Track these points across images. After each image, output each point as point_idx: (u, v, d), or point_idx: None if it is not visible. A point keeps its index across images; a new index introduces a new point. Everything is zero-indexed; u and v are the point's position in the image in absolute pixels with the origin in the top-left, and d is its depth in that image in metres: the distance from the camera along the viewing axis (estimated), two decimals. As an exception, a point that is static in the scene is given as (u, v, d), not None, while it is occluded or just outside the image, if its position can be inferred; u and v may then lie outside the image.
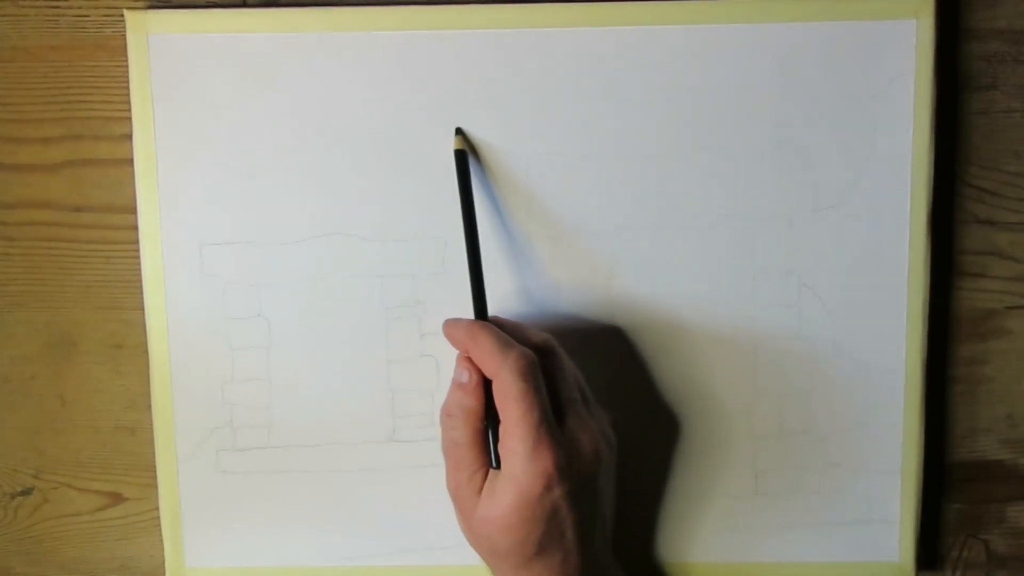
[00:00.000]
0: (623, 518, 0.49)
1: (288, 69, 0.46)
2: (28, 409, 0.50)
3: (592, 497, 0.42)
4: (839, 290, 0.47)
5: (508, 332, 0.43)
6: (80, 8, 0.47)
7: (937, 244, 0.47)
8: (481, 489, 0.41)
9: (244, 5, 0.47)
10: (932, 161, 0.46)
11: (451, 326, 0.43)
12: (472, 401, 0.42)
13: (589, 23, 0.46)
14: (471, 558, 0.49)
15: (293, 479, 0.49)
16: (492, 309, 0.45)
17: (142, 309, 0.48)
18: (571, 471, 0.40)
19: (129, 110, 0.47)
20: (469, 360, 0.42)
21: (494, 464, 0.41)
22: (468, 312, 0.48)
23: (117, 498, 0.51)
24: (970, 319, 0.49)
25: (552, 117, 0.46)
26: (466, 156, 0.45)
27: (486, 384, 0.42)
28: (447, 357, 0.48)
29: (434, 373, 0.48)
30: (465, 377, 0.42)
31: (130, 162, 0.47)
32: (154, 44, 0.46)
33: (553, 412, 0.41)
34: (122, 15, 0.47)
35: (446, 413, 0.43)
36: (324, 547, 0.49)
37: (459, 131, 0.46)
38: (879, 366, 0.48)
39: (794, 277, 0.47)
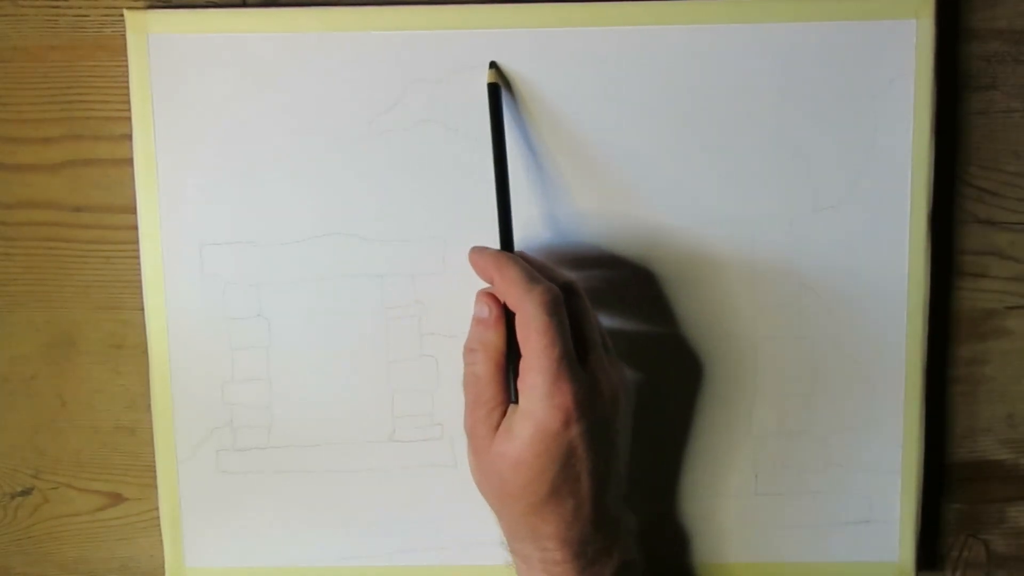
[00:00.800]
0: (623, 518, 0.49)
1: (288, 69, 0.46)
2: (28, 409, 0.50)
3: (609, 443, 0.41)
4: (839, 290, 0.47)
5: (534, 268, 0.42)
6: (80, 8, 0.47)
7: (937, 244, 0.47)
8: (498, 426, 0.41)
9: (244, 5, 0.47)
10: (932, 161, 0.46)
11: (478, 254, 0.42)
12: (493, 335, 0.41)
13: (589, 23, 0.46)
14: (471, 558, 0.49)
15: (293, 479, 0.49)
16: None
17: (142, 309, 0.48)
18: (590, 410, 0.39)
19: (129, 110, 0.47)
20: (489, 295, 0.42)
21: (514, 399, 0.41)
22: (468, 313, 0.48)
23: (117, 498, 0.51)
24: (970, 319, 0.49)
25: (551, 117, 0.46)
26: (499, 89, 0.45)
27: (507, 320, 0.41)
28: (447, 357, 0.48)
29: (434, 373, 0.48)
30: (485, 312, 0.41)
31: (130, 162, 0.47)
32: (154, 44, 0.46)
33: (575, 352, 0.40)
34: (122, 15, 0.47)
35: (468, 348, 0.42)
36: (324, 547, 0.49)
37: (493, 64, 0.45)
38: (879, 366, 0.48)
39: (794, 277, 0.47)
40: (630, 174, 0.47)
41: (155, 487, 0.49)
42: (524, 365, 0.40)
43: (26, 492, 0.51)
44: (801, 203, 0.47)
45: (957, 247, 0.48)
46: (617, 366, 0.43)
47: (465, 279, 0.47)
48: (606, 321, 0.48)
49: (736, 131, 0.47)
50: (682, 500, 0.49)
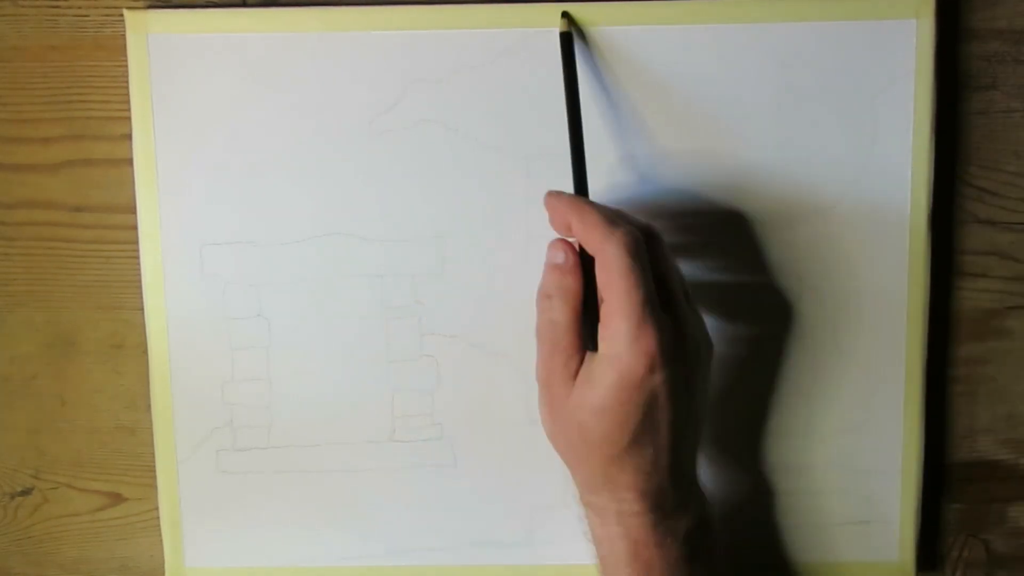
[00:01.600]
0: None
1: (288, 69, 0.46)
2: (28, 409, 0.50)
3: (688, 396, 0.40)
4: (839, 290, 0.47)
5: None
6: (80, 8, 0.47)
7: (937, 244, 0.47)
8: (576, 374, 0.40)
9: (244, 5, 0.47)
10: (932, 161, 0.46)
11: (555, 197, 0.41)
12: (571, 280, 0.40)
13: (589, 23, 0.46)
14: (471, 558, 0.49)
15: (293, 479, 0.49)
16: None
17: (142, 309, 0.48)
18: (674, 358, 0.38)
19: (129, 110, 0.47)
20: (563, 241, 0.41)
21: (591, 346, 0.40)
22: (468, 314, 0.48)
23: (117, 498, 0.51)
24: (970, 319, 0.49)
25: (551, 117, 0.46)
26: (571, 38, 0.44)
27: (583, 266, 0.40)
28: (447, 357, 0.48)
29: (434, 373, 0.48)
30: (561, 258, 0.41)
31: (130, 162, 0.47)
32: (154, 44, 0.46)
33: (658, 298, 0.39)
34: (122, 15, 0.47)
35: (544, 295, 0.41)
36: (324, 547, 0.49)
37: (565, 14, 0.45)
38: (879, 366, 0.48)
39: (794, 277, 0.47)
40: (628, 173, 0.47)
41: (155, 487, 0.49)
42: (606, 310, 0.38)
43: (26, 492, 0.51)
44: (801, 203, 0.47)
45: (957, 247, 0.48)
46: (698, 316, 0.42)
47: (465, 279, 0.47)
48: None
49: (735, 131, 0.46)
50: (682, 500, 0.49)
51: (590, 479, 0.41)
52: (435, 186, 0.47)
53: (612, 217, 0.40)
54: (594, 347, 0.40)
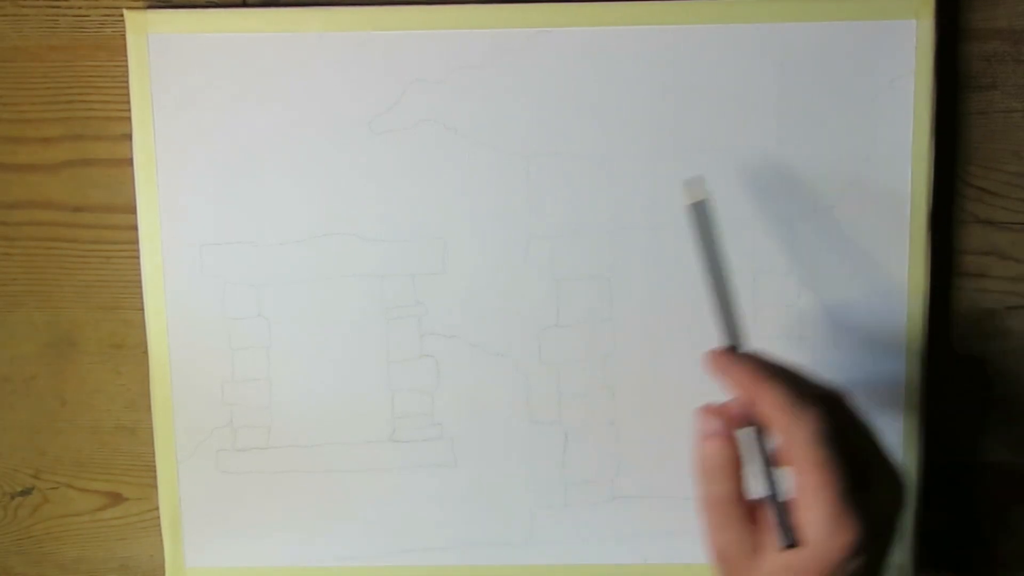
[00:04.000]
0: (623, 521, 0.49)
1: (288, 69, 0.46)
2: (28, 409, 0.50)
3: (881, 569, 0.38)
4: (839, 290, 0.47)
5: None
6: (80, 8, 0.47)
7: (937, 244, 0.47)
8: (755, 547, 0.38)
9: (244, 5, 0.47)
10: (932, 161, 0.46)
11: (732, 366, 0.39)
12: (732, 451, 0.39)
13: (589, 23, 0.46)
14: (471, 558, 0.49)
15: (293, 479, 0.49)
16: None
17: (142, 309, 0.48)
18: (873, 542, 0.36)
19: (129, 110, 0.47)
20: (711, 410, 0.39)
21: (782, 542, 0.37)
22: (468, 314, 0.48)
23: (117, 498, 0.51)
24: (970, 319, 0.49)
25: (551, 117, 0.46)
26: (706, 207, 0.41)
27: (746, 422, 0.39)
28: (447, 357, 0.48)
29: (434, 373, 0.48)
30: (715, 427, 0.39)
31: (130, 162, 0.47)
32: (154, 44, 0.46)
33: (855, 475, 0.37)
34: (122, 15, 0.47)
35: (705, 468, 0.39)
36: (324, 547, 0.49)
37: (691, 183, 0.41)
38: (879, 366, 0.48)
39: (794, 277, 0.47)
40: (630, 173, 0.47)
41: (155, 487, 0.49)
42: (800, 501, 0.37)
43: (26, 492, 0.51)
44: (801, 203, 0.47)
45: (957, 247, 0.48)
46: (893, 472, 0.39)
47: (465, 279, 0.47)
48: (603, 319, 0.48)
49: (736, 131, 0.47)
50: (683, 500, 0.49)
51: None
52: (435, 186, 0.47)
53: (797, 396, 0.37)
54: (788, 538, 0.37)
